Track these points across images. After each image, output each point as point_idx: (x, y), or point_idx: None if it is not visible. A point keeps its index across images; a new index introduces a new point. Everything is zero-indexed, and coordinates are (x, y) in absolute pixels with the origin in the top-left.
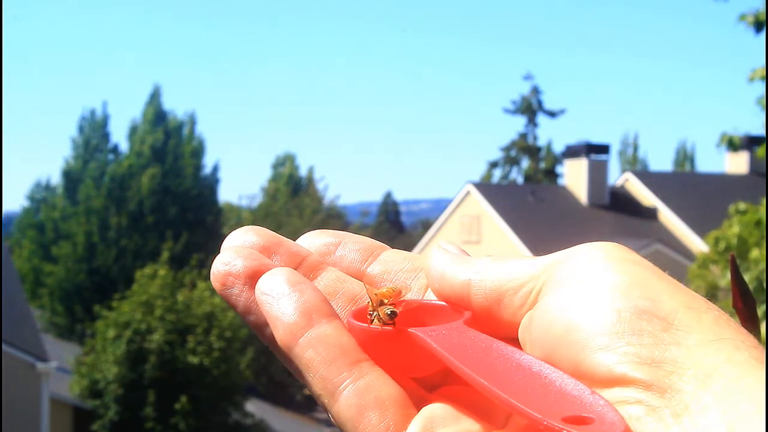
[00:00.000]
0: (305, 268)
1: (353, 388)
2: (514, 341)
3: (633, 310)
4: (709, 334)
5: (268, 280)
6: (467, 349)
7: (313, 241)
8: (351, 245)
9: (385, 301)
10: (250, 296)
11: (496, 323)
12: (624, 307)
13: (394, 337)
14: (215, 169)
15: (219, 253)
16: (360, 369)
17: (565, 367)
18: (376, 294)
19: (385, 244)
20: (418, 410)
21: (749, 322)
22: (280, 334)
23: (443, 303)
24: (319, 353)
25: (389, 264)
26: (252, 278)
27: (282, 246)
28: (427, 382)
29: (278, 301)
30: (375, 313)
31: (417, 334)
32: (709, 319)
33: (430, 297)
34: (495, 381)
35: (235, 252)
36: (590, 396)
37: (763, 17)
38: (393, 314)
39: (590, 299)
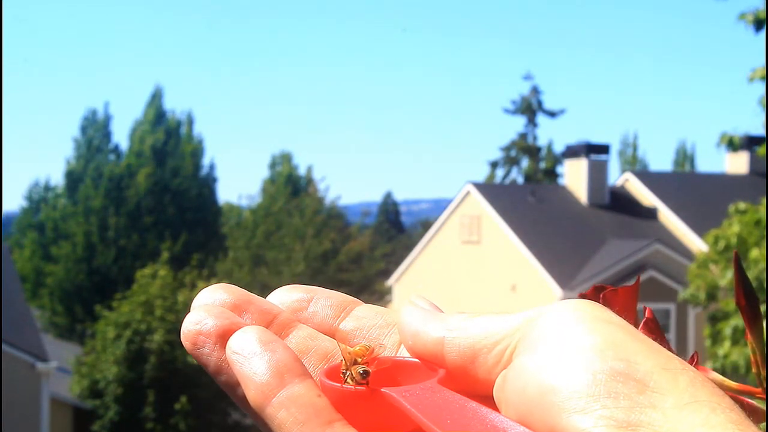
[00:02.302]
0: (277, 326)
1: None
2: (489, 399)
3: (608, 372)
4: (685, 396)
5: (239, 339)
6: (441, 410)
7: (285, 297)
8: (323, 301)
9: (359, 359)
10: (221, 356)
11: (471, 381)
12: (599, 368)
13: (368, 397)
14: (211, 167)
15: (189, 311)
16: (333, 429)
17: (540, 430)
18: (349, 352)
19: (357, 299)
20: None
21: (752, 319)
22: (252, 394)
23: (417, 360)
24: (292, 414)
25: (362, 320)
26: (223, 337)
27: (253, 304)
28: None
29: (249, 360)
30: (348, 373)
31: (391, 394)
32: (685, 380)
33: (404, 353)
34: None
35: (206, 311)
36: None
37: (762, 16)
38: (366, 373)
39: (565, 360)
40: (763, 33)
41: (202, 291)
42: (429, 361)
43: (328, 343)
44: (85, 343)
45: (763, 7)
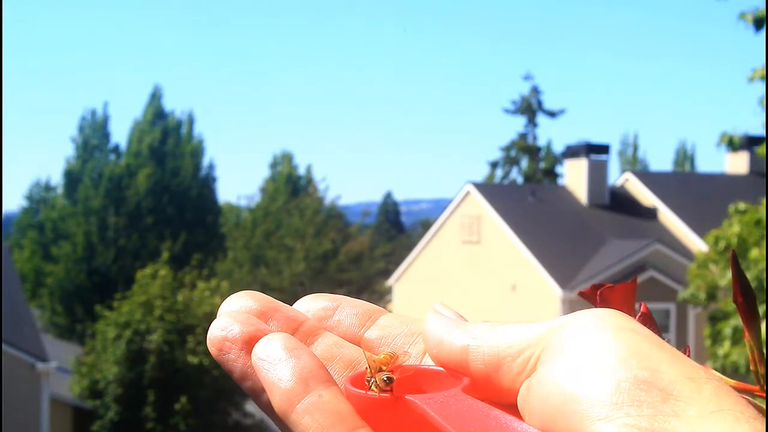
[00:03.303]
0: (302, 333)
1: None
2: (513, 408)
3: (632, 380)
4: (709, 405)
5: (265, 346)
6: (465, 418)
7: (310, 305)
8: (348, 309)
9: (383, 367)
10: (247, 362)
11: (495, 390)
12: (623, 377)
13: (392, 404)
14: (210, 167)
15: (216, 317)
16: None
17: None
18: (374, 360)
19: (383, 308)
20: None
21: (750, 317)
22: (276, 400)
23: (441, 369)
24: (316, 420)
25: (387, 329)
26: (249, 344)
27: (279, 311)
28: None
29: (275, 366)
30: (372, 380)
31: (414, 401)
32: (709, 389)
33: (429, 362)
34: None
35: (232, 317)
36: None
37: (762, 15)
38: (390, 380)
39: (589, 369)
40: (763, 32)
41: (228, 298)
42: (453, 369)
43: (353, 351)
44: (85, 343)
45: (763, 6)
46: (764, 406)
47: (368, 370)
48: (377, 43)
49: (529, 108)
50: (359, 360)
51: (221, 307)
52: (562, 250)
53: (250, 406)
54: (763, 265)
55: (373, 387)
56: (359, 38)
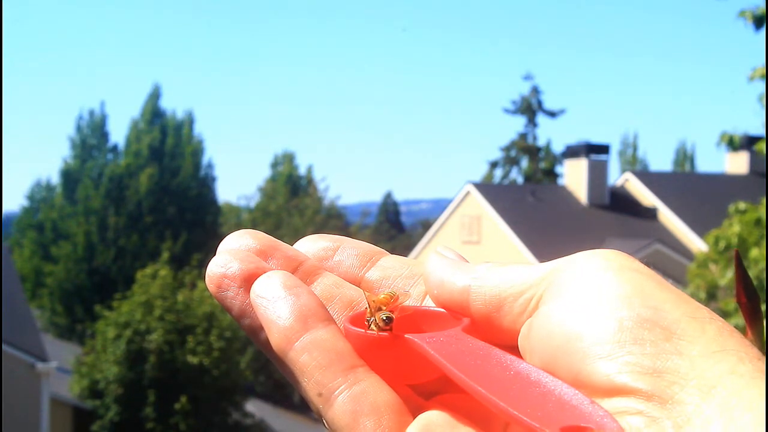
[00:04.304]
0: (302, 272)
1: (348, 394)
2: (514, 349)
3: (635, 319)
4: (712, 344)
5: (264, 283)
6: (465, 357)
7: (311, 245)
8: (349, 250)
9: (383, 307)
10: (246, 299)
11: (496, 330)
12: (626, 315)
13: (391, 343)
14: (209, 167)
15: (215, 255)
16: (356, 375)
17: (564, 377)
18: (373, 300)
19: (384, 250)
20: (414, 418)
21: (752, 315)
22: (274, 337)
23: (442, 310)
24: (314, 358)
25: (388, 270)
26: (248, 281)
27: (279, 250)
28: (424, 389)
29: (273, 304)
30: (372, 319)
31: (414, 340)
32: (712, 329)
33: (429, 304)
34: (492, 389)
35: (231, 255)
36: (589, 406)
37: (762, 12)
38: (389, 320)
39: (591, 308)
40: (763, 31)
41: (228, 236)
42: (454, 310)
43: (353, 291)
44: (85, 343)
45: (762, 4)
46: None
47: (368, 309)
48: (377, 43)
49: (529, 108)
50: (359, 300)
51: (221, 244)
52: (562, 250)
53: (251, 406)
54: (763, 264)
55: (372, 326)
56: (359, 38)
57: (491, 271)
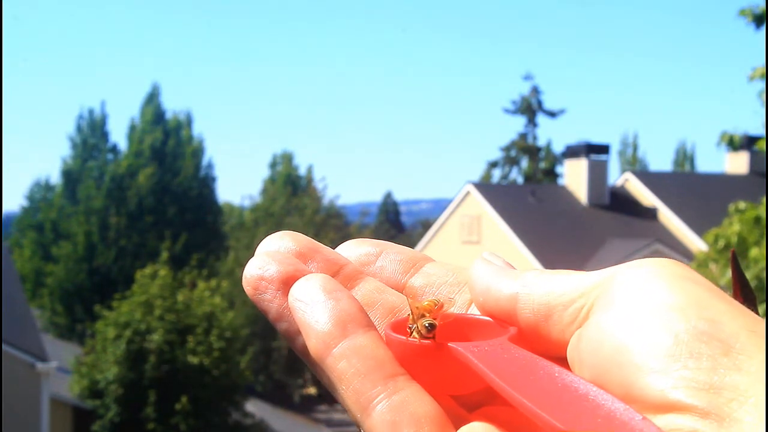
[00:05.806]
0: (343, 276)
1: (387, 404)
2: (562, 360)
3: (690, 332)
4: None
5: (303, 286)
6: (511, 368)
7: (353, 250)
8: (392, 256)
9: (426, 314)
10: (283, 303)
11: (544, 340)
12: (681, 328)
13: (434, 351)
14: (209, 167)
15: (252, 256)
16: (396, 383)
17: (615, 391)
18: (417, 307)
19: (428, 256)
20: (456, 430)
21: None
22: (312, 343)
23: (488, 318)
24: (353, 365)
25: (432, 276)
26: (286, 284)
27: (319, 253)
28: (468, 400)
29: (312, 308)
30: (414, 326)
31: (457, 349)
32: None
33: (475, 312)
34: (539, 402)
35: (270, 256)
36: (641, 422)
37: (763, 11)
38: (432, 327)
39: (644, 319)
40: (763, 30)
41: (267, 237)
42: (500, 318)
43: (395, 297)
44: (85, 343)
45: (762, 3)
46: None
47: (410, 316)
48: (377, 43)
49: (529, 108)
50: (401, 307)
51: (259, 246)
52: (562, 250)
53: (251, 406)
54: (763, 264)
55: (414, 333)
56: (359, 38)
57: (540, 279)
